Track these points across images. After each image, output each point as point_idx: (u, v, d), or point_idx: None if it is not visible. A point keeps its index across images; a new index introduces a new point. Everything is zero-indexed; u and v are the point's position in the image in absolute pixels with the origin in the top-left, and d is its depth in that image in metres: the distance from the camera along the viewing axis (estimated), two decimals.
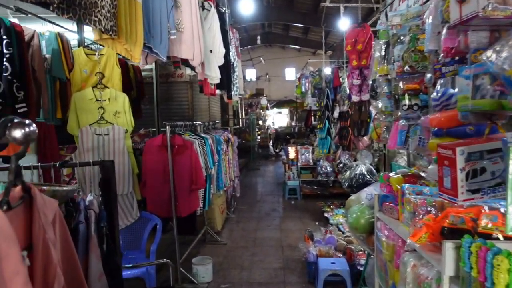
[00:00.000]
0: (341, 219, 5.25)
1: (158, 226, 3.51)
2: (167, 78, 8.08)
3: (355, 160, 5.90)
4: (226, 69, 4.25)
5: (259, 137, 16.94)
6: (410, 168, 2.99)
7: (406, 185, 2.09)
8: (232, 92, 5.14)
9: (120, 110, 3.55)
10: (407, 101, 2.14)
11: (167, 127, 3.57)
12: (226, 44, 4.20)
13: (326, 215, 5.66)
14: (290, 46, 24.01)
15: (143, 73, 6.68)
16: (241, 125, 16.68)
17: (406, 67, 2.11)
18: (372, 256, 2.85)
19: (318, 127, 5.76)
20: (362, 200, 2.81)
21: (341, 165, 5.68)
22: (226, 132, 5.60)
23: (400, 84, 2.18)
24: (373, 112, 3.09)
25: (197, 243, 4.77)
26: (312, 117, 18.70)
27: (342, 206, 6.10)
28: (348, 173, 3.91)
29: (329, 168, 5.69)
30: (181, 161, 3.58)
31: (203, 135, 4.29)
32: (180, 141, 3.56)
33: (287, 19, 17.04)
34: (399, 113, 2.34)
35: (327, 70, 7.97)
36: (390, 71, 2.38)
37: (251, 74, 22.58)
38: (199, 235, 4.85)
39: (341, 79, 7.32)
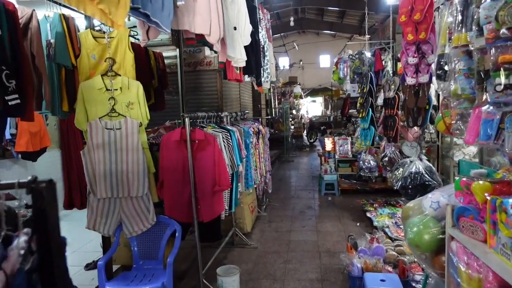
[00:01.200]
0: (387, 221, 4.60)
1: (177, 233, 3.08)
2: (195, 67, 7.66)
3: (400, 152, 5.20)
4: (255, 51, 3.70)
5: (292, 127, 16.30)
6: (488, 168, 2.33)
7: (502, 198, 1.47)
8: (263, 79, 4.60)
9: (133, 100, 3.13)
10: (503, 79, 1.51)
11: (186, 118, 3.09)
12: (254, 22, 3.65)
13: (368, 215, 5.03)
14: (325, 31, 23.04)
15: (167, 61, 6.28)
16: (273, 115, 16.12)
17: (503, 30, 1.48)
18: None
19: (360, 116, 5.10)
20: (425, 210, 2.20)
21: (386, 158, 5.00)
22: (256, 123, 5.09)
23: (492, 55, 1.55)
24: (435, 97, 2.43)
25: (225, 246, 4.33)
26: (349, 105, 17.88)
27: (386, 204, 5.43)
28: (400, 171, 3.26)
29: (372, 163, 5.05)
30: (202, 158, 3.10)
31: (229, 127, 3.79)
32: (201, 135, 3.08)
33: (321, 2, 16.10)
34: (485, 97, 1.70)
35: (368, 53, 7.21)
36: (472, 39, 1.74)
37: (284, 62, 21.87)
38: (227, 238, 4.40)
39: (383, 62, 6.56)
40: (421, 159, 3.28)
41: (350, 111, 18.88)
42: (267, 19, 5.60)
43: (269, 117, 7.30)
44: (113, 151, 3.02)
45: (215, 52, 2.47)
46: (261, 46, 4.39)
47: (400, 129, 4.94)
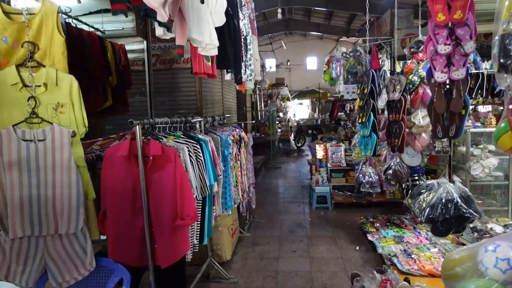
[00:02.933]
0: (394, 247, 3.85)
1: (124, 282, 2.25)
2: (171, 64, 6.84)
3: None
4: (233, 39, 2.90)
5: (279, 130, 15.54)
6: None
7: None
8: (245, 76, 3.79)
9: (64, 101, 2.30)
10: None
11: (137, 126, 2.26)
12: (232, 0, 2.85)
13: (370, 238, 4.27)
14: (312, 33, 22.59)
15: (133, 55, 5.44)
16: (259, 118, 15.33)
17: None
18: None
19: (359, 121, 4.35)
20: (486, 270, 1.44)
21: (390, 171, 4.26)
22: (237, 130, 4.28)
23: None
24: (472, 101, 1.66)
25: (198, 281, 3.50)
26: (338, 108, 17.24)
27: (389, 224, 4.69)
28: (425, 197, 2.51)
29: (374, 176, 4.31)
30: (160, 180, 2.28)
31: (200, 136, 2.97)
32: (157, 149, 2.25)
33: (308, 3, 15.47)
34: None
35: (361, 49, 6.50)
36: None
37: (271, 63, 21.18)
38: (201, 271, 3.58)
39: (380, 61, 5.84)
40: (452, 181, 2.52)
41: (339, 114, 18.33)
42: (251, 8, 4.81)
43: (254, 121, 6.48)
44: (33, 171, 2.18)
45: (168, 29, 1.66)
46: (243, 36, 3.59)
47: (407, 137, 4.21)
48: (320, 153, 6.74)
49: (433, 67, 2.31)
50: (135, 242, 2.30)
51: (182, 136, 2.70)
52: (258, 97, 15.53)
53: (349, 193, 6.43)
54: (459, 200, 2.27)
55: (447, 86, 2.31)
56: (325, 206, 6.13)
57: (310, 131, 18.22)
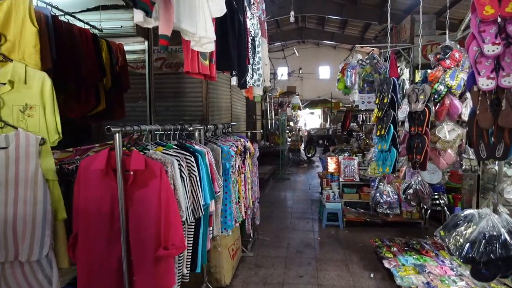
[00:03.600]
0: (415, 279, 3.38)
1: None
2: (177, 68, 6.55)
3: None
4: (237, 36, 2.54)
5: (289, 139, 15.13)
6: None
7: None
8: (251, 80, 3.42)
9: (34, 102, 1.96)
10: None
11: (117, 134, 1.90)
12: None
13: (386, 264, 3.81)
14: (325, 42, 22.29)
15: (132, 56, 5.14)
16: (269, 127, 14.96)
17: None
18: None
19: (378, 134, 3.93)
20: None
21: (410, 191, 3.82)
22: (242, 140, 3.90)
23: None
24: None
25: None
26: (350, 119, 16.79)
27: (408, 248, 4.22)
28: (461, 230, 2.08)
29: (393, 196, 3.87)
30: (142, 200, 1.91)
31: (197, 147, 2.60)
32: (139, 162, 1.88)
33: (322, 11, 15.17)
34: None
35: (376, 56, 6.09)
36: None
37: (282, 71, 20.88)
38: None
39: (399, 70, 5.42)
40: (498, 212, 2.09)
41: (351, 124, 17.85)
42: (262, 9, 4.46)
43: (261, 131, 6.12)
44: None
45: (147, 13, 1.31)
46: (250, 36, 3.23)
47: (430, 152, 3.78)
48: (331, 166, 6.31)
49: (476, 72, 1.90)
50: (111, 273, 1.92)
51: (174, 146, 2.33)
52: (268, 105, 15.19)
53: (362, 211, 5.97)
54: (507, 237, 1.84)
55: (494, 95, 1.90)
56: (336, 224, 5.68)
57: (321, 142, 17.77)
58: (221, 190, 2.98)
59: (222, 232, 3.21)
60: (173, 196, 1.93)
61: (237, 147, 3.50)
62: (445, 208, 5.51)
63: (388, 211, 3.88)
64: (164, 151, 2.14)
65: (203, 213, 2.31)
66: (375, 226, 5.50)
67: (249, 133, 4.85)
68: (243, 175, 3.76)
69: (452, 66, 3.70)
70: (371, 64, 6.14)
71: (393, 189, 4.00)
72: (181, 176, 2.11)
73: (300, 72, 17.99)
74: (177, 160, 2.10)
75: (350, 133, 15.61)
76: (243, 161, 3.83)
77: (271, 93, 15.06)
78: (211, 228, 2.79)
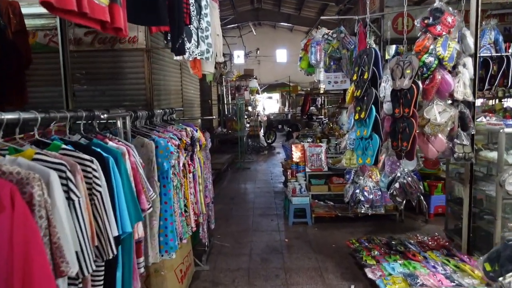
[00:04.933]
0: None
1: None
2: (113, 44, 5.44)
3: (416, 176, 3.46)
4: None
5: (248, 125, 14.35)
6: None
7: None
8: (196, 50, 2.55)
9: None
10: None
11: None
12: None
13: (370, 274, 3.16)
14: (282, 24, 21.68)
15: (40, 21, 4.06)
16: (226, 112, 14.07)
17: None
18: None
19: (356, 117, 3.22)
20: None
21: (397, 185, 3.18)
22: (189, 128, 3.02)
23: None
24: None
25: None
26: (310, 102, 16.30)
27: (393, 252, 3.61)
28: (494, 253, 1.39)
29: (376, 192, 3.20)
30: None
31: (112, 144, 1.71)
32: None
33: None
34: None
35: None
36: None
37: (239, 54, 19.94)
38: None
39: (368, 46, 4.75)
40: None
41: (311, 108, 17.38)
42: None
43: (214, 117, 5.24)
44: None
45: None
46: None
47: (419, 140, 3.15)
48: (296, 155, 5.61)
49: None
50: None
51: (65, 146, 1.43)
52: (225, 89, 14.25)
53: (332, 203, 5.36)
54: None
55: None
56: (304, 221, 5.00)
57: (280, 126, 17.16)
58: (155, 203, 2.12)
59: (162, 257, 2.36)
60: (38, 236, 1.05)
61: (180, 139, 2.64)
62: (421, 198, 5.03)
63: (371, 211, 3.23)
64: (38, 157, 1.24)
65: (114, 253, 1.45)
66: (348, 221, 4.90)
67: (200, 120, 3.95)
68: (191, 174, 2.91)
69: (443, 33, 3.05)
70: (338, 38, 5.44)
71: (374, 183, 3.34)
72: (68, 199, 1.23)
73: (258, 53, 17.09)
74: (59, 172, 1.21)
75: (310, 117, 15.13)
76: (191, 156, 2.97)
77: (228, 76, 14.12)
78: (141, 259, 1.94)
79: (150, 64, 5.50)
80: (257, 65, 23.22)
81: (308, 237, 4.55)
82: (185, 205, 2.67)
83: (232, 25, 18.58)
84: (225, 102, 14.13)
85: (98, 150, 1.56)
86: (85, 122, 1.82)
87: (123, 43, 5.33)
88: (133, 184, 1.72)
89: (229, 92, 15.02)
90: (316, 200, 5.33)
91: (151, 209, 1.85)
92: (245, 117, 14.18)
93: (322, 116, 15.03)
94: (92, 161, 1.41)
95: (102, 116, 1.87)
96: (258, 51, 17.80)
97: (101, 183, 1.43)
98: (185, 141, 2.69)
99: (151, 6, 1.58)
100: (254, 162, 10.42)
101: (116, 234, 1.47)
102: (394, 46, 6.00)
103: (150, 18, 1.65)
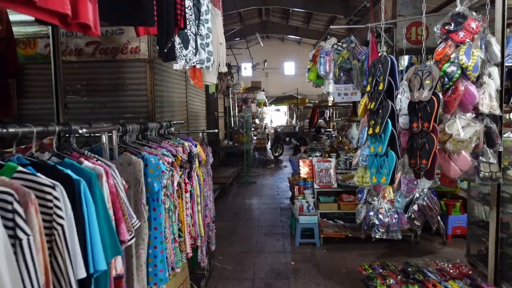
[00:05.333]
0: None
1: None
2: (115, 55, 5.27)
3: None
4: None
5: (255, 137, 14.10)
6: None
7: None
8: (194, 57, 2.31)
9: None
10: None
11: None
12: None
13: None
14: (290, 37, 21.68)
15: (32, 29, 3.89)
16: (233, 125, 13.86)
17: None
18: None
19: (370, 132, 2.95)
20: None
21: (415, 207, 2.87)
22: (187, 143, 2.77)
23: None
24: None
25: None
26: (318, 115, 16.03)
27: (409, 280, 3.27)
28: None
29: (393, 215, 2.88)
30: None
31: (87, 164, 1.46)
32: None
33: (286, 3, 14.31)
34: None
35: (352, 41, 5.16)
36: None
37: (246, 66, 19.84)
38: None
39: (382, 52, 4.50)
40: None
41: (319, 121, 17.09)
42: None
43: (216, 130, 5.00)
44: None
45: None
46: None
47: (440, 158, 2.85)
48: (304, 171, 5.32)
49: None
50: None
51: (21, 169, 1.17)
52: (231, 102, 14.07)
53: (341, 223, 5.04)
54: None
55: None
56: (312, 241, 4.68)
57: (287, 139, 16.88)
58: (143, 229, 1.85)
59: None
60: None
61: (175, 155, 2.38)
62: (439, 218, 4.70)
63: (386, 236, 2.91)
64: None
65: None
66: (359, 243, 4.56)
67: (201, 134, 3.71)
68: (188, 194, 2.64)
69: (467, 40, 2.78)
70: (349, 48, 5.21)
71: (391, 206, 3.03)
72: (14, 237, 0.97)
73: (265, 65, 16.94)
74: (3, 204, 0.96)
75: (318, 129, 14.85)
76: (189, 173, 2.71)
77: (235, 88, 13.96)
78: None
79: (153, 75, 5.30)
80: (264, 77, 23.15)
81: (316, 260, 4.23)
82: (179, 229, 2.40)
83: (239, 39, 18.56)
84: (232, 115, 13.92)
85: (67, 171, 1.31)
86: (67, 137, 1.58)
87: (125, 53, 5.16)
88: (111, 212, 1.46)
89: (236, 104, 14.84)
90: (325, 219, 5.01)
91: (133, 240, 1.59)
92: (252, 129, 13.96)
93: (331, 129, 14.72)
94: (54, 187, 1.15)
95: (80, 131, 1.62)
96: (266, 64, 17.64)
97: (64, 214, 1.17)
98: (180, 158, 2.43)
99: (134, 3, 1.34)
100: (260, 176, 10.13)
101: (82, 275, 1.20)
102: (407, 57, 5.73)
103: (133, 17, 1.41)
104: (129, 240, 1.55)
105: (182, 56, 2.14)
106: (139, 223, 1.67)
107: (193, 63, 2.33)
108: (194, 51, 2.36)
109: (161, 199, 2.07)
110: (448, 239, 4.68)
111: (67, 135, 1.60)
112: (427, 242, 4.65)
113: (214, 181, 7.76)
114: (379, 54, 4.68)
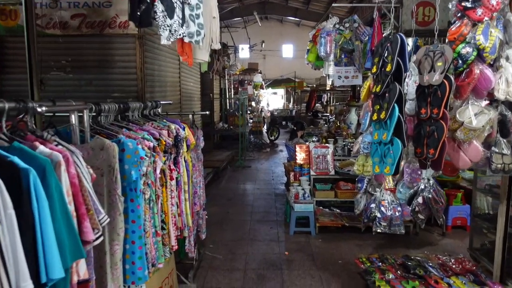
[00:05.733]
0: None
1: None
2: (102, 29, 4.94)
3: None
4: None
5: (251, 120, 13.83)
6: None
7: None
8: (180, 29, 2.04)
9: None
10: None
11: None
12: None
13: None
14: (289, 18, 21.09)
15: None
16: (229, 107, 13.55)
17: None
18: None
19: (374, 117, 2.71)
20: None
21: (420, 199, 2.67)
22: (174, 126, 2.52)
23: None
24: None
25: None
26: (315, 99, 15.74)
27: (410, 275, 3.09)
28: None
29: (396, 207, 2.70)
30: None
31: (42, 149, 1.22)
32: None
33: None
34: None
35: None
36: None
37: (244, 47, 19.36)
38: None
39: (388, 31, 4.21)
40: None
41: (317, 105, 16.83)
42: None
43: (207, 112, 4.72)
44: None
45: None
46: None
47: (449, 148, 2.63)
48: (300, 156, 5.09)
49: None
50: None
51: None
52: (227, 83, 13.72)
53: (338, 211, 4.85)
54: None
55: None
56: (307, 230, 4.51)
57: (284, 123, 16.62)
58: (118, 223, 1.62)
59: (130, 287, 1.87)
60: None
61: (158, 139, 2.13)
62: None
63: (388, 231, 2.71)
64: None
65: None
66: (356, 232, 4.38)
67: (191, 116, 3.45)
68: (173, 181, 2.40)
69: (485, 18, 2.52)
70: (351, 28, 4.90)
71: (394, 198, 2.82)
72: None
73: (263, 46, 16.50)
74: None
75: (315, 114, 14.60)
76: (175, 159, 2.47)
77: (231, 69, 13.58)
78: None
79: (143, 51, 4.99)
80: (262, 59, 22.66)
81: (311, 250, 4.05)
82: (162, 221, 2.18)
83: (237, 19, 18.02)
84: (228, 97, 13.59)
85: (12, 159, 1.06)
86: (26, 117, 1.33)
87: (113, 28, 4.84)
88: (71, 207, 1.22)
89: (232, 86, 14.49)
90: (321, 207, 4.83)
91: (100, 239, 1.36)
92: (248, 112, 13.67)
93: (328, 114, 14.45)
94: None
95: (39, 109, 1.36)
96: (264, 45, 17.19)
97: (1, 213, 0.93)
98: (164, 142, 2.18)
99: None
100: (255, 160, 9.92)
101: None
102: (412, 39, 5.44)
103: None
104: (94, 240, 1.32)
105: (166, 26, 1.87)
106: (108, 219, 1.43)
107: (179, 35, 2.06)
108: (180, 21, 2.08)
109: (140, 189, 1.83)
110: (448, 230, 4.52)
111: (22, 115, 1.35)
112: (427, 233, 4.48)
113: (208, 165, 7.54)
114: (386, 34, 4.40)
